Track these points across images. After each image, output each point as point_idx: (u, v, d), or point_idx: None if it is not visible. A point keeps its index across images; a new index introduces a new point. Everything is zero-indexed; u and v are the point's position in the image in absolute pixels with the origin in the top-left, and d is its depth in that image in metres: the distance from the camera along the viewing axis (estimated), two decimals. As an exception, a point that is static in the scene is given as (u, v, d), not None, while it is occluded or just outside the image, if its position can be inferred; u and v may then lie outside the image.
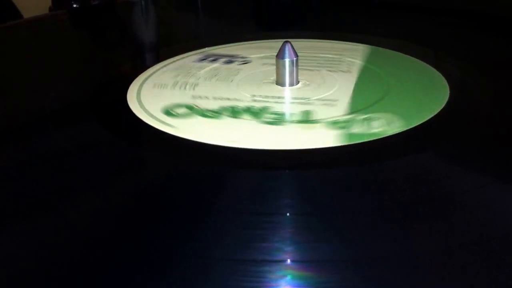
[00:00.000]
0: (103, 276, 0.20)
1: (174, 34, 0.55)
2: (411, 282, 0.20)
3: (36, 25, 0.58)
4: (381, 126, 0.31)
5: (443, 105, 0.34)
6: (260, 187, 0.26)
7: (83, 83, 0.40)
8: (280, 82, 0.37)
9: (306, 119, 0.33)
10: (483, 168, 0.27)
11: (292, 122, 0.32)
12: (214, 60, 0.43)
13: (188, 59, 0.43)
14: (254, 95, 0.36)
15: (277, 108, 0.34)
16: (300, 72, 0.38)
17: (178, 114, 0.33)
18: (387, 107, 0.34)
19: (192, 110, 0.34)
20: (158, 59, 0.45)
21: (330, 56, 0.43)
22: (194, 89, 0.37)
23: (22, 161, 0.29)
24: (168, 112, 0.33)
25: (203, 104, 0.35)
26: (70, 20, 0.60)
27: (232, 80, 0.38)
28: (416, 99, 0.35)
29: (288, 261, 0.21)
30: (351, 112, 0.33)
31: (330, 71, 0.40)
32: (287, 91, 0.37)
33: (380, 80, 0.38)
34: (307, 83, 0.38)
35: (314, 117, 0.33)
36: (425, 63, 0.41)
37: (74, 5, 0.60)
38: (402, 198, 0.25)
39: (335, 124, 0.32)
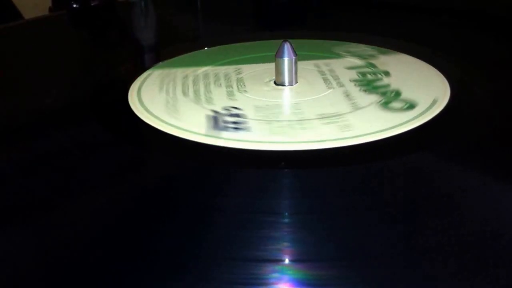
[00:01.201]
0: (103, 276, 0.20)
1: (174, 33, 0.55)
2: (411, 282, 0.20)
3: (36, 25, 0.58)
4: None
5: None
6: (263, 187, 0.26)
7: (83, 83, 0.40)
8: (280, 81, 0.37)
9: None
10: (483, 168, 0.27)
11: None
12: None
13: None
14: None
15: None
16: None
17: None
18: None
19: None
20: (158, 58, 0.45)
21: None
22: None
23: (22, 161, 0.29)
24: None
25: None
26: (70, 20, 0.60)
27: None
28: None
29: (287, 260, 0.21)
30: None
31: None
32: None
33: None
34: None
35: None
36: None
37: (74, 5, 0.60)
38: (401, 198, 0.25)
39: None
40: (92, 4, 0.60)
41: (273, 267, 0.20)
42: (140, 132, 0.33)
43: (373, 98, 0.35)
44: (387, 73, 0.39)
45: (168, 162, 0.29)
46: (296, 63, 0.37)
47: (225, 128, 0.31)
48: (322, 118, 0.32)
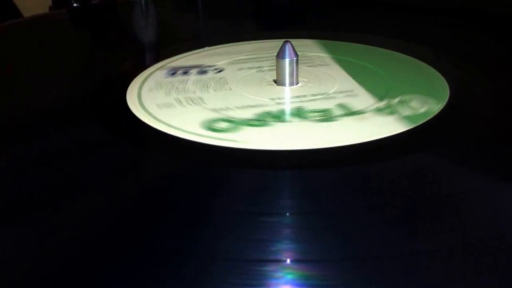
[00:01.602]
0: (102, 276, 0.20)
1: (174, 33, 0.55)
2: (411, 282, 0.20)
3: (36, 24, 0.58)
4: (422, 105, 0.33)
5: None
6: (262, 187, 0.26)
7: (83, 83, 0.40)
8: (281, 82, 0.37)
9: (350, 111, 0.33)
10: (483, 168, 0.27)
11: (340, 116, 0.32)
12: (185, 73, 0.41)
13: (159, 75, 0.41)
14: (272, 98, 0.36)
15: (311, 106, 0.34)
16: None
17: (223, 128, 0.32)
18: (408, 90, 0.35)
19: (233, 122, 0.32)
20: (158, 58, 0.45)
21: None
22: (204, 102, 0.35)
23: (22, 161, 0.29)
24: (211, 128, 0.32)
25: (235, 114, 0.33)
26: (70, 19, 0.60)
27: (231, 88, 0.38)
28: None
29: (288, 261, 0.21)
30: (381, 99, 0.34)
31: (310, 66, 0.41)
32: (300, 90, 0.37)
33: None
34: (305, 80, 0.38)
35: (354, 108, 0.33)
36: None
37: (74, 5, 0.60)
38: (402, 198, 0.25)
39: (380, 111, 0.32)
40: (93, 3, 0.60)
41: (272, 267, 0.20)
42: (138, 132, 0.33)
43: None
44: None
45: (166, 161, 0.29)
46: (297, 63, 0.37)
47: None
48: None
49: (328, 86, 0.37)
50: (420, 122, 0.31)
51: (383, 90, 0.36)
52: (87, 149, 0.30)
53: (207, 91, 0.37)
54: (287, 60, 0.36)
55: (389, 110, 0.33)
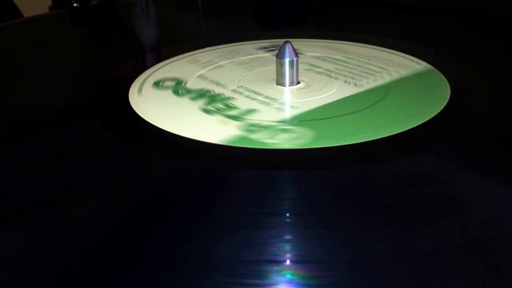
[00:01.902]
0: (102, 276, 0.20)
1: (175, 33, 0.55)
2: (411, 282, 0.20)
3: (36, 24, 0.58)
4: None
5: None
6: (259, 187, 0.26)
7: (83, 83, 0.40)
8: (280, 82, 0.37)
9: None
10: (483, 168, 0.27)
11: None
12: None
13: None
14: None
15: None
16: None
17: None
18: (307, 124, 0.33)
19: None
20: (159, 58, 0.45)
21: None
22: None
23: (22, 160, 0.29)
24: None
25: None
26: (71, 19, 0.60)
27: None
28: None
29: (288, 261, 0.21)
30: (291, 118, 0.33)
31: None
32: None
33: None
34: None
35: (261, 123, 0.32)
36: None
37: (75, 5, 0.60)
38: (402, 199, 0.25)
39: (251, 126, 0.32)
40: (93, 3, 0.60)
41: (271, 268, 0.20)
42: (141, 131, 0.33)
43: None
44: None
45: (169, 162, 0.29)
46: (297, 63, 0.37)
47: None
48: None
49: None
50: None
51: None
52: (87, 148, 0.30)
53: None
54: (287, 60, 0.36)
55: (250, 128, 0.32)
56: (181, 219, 0.24)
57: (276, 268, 0.20)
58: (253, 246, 0.21)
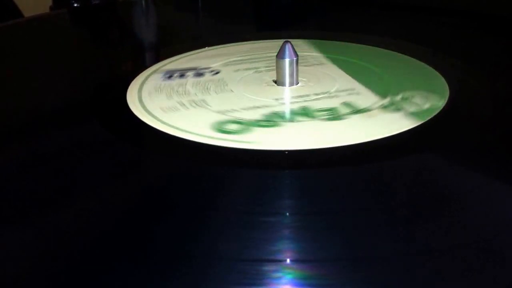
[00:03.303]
0: (102, 276, 0.20)
1: (175, 33, 0.55)
2: (411, 282, 0.20)
3: (37, 24, 0.58)
4: (425, 101, 0.33)
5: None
6: (261, 187, 0.26)
7: (83, 83, 0.40)
8: (281, 82, 0.37)
9: (356, 109, 0.33)
10: (483, 168, 0.27)
11: (348, 114, 0.33)
12: (182, 76, 0.40)
13: (154, 79, 0.40)
14: (276, 99, 0.36)
15: (317, 105, 0.34)
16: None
17: (233, 130, 0.31)
18: (408, 87, 0.35)
19: (243, 123, 0.32)
20: (158, 58, 0.45)
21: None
22: (208, 105, 0.35)
23: (22, 160, 0.29)
24: (220, 130, 0.31)
25: (243, 116, 0.33)
26: (71, 19, 0.60)
27: (232, 90, 0.37)
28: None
29: (288, 261, 0.21)
30: (384, 96, 0.35)
31: (306, 66, 0.41)
32: (301, 89, 0.37)
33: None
34: (305, 79, 0.38)
35: (360, 106, 0.34)
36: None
37: (75, 5, 0.60)
38: (402, 198, 0.25)
39: (386, 108, 0.33)
40: (93, 3, 0.60)
41: (271, 267, 0.20)
42: (138, 132, 0.33)
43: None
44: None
45: (168, 162, 0.29)
46: (297, 63, 0.37)
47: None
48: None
49: (328, 85, 0.37)
50: (427, 118, 0.32)
51: (383, 88, 0.36)
52: (87, 149, 0.31)
53: (208, 93, 0.37)
54: (287, 60, 0.36)
55: (394, 107, 0.33)
56: (181, 219, 0.24)
57: (276, 268, 0.20)
58: (253, 246, 0.21)
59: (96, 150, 0.30)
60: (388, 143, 0.30)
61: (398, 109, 0.33)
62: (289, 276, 0.20)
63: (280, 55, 0.36)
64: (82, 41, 0.54)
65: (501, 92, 0.36)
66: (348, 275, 0.20)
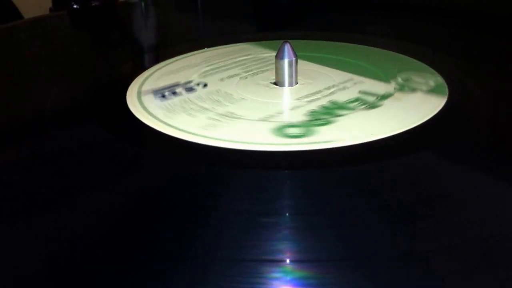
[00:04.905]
0: (101, 276, 0.20)
1: (174, 34, 0.55)
2: (411, 282, 0.20)
3: (36, 25, 0.58)
4: (424, 79, 0.34)
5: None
6: (261, 187, 0.26)
7: (83, 84, 0.40)
8: (282, 83, 0.37)
9: (379, 95, 0.33)
10: (483, 168, 0.27)
11: (378, 100, 0.33)
12: (174, 93, 0.37)
13: (149, 100, 0.36)
14: (298, 98, 0.35)
15: (340, 98, 0.34)
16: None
17: (298, 134, 0.30)
18: (401, 69, 0.36)
19: (299, 126, 0.31)
20: (158, 59, 0.45)
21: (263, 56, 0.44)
22: (240, 116, 0.33)
23: (22, 161, 0.29)
24: (285, 135, 0.30)
25: (287, 119, 0.32)
26: (71, 20, 0.60)
27: (243, 98, 0.36)
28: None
29: (288, 261, 0.21)
30: (388, 81, 0.35)
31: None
32: (307, 88, 0.37)
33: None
34: (299, 78, 0.38)
35: (379, 91, 0.34)
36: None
37: (75, 6, 0.60)
38: (401, 198, 0.25)
39: (402, 90, 0.34)
40: (93, 5, 0.60)
41: (270, 268, 0.20)
42: (138, 133, 0.33)
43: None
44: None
45: (168, 162, 0.29)
46: (296, 63, 0.37)
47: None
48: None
49: (327, 80, 0.37)
50: (447, 93, 0.33)
51: (377, 75, 0.36)
52: (87, 149, 0.31)
53: (225, 104, 0.35)
54: (286, 61, 0.36)
55: (407, 88, 0.33)
56: (181, 219, 0.24)
57: (275, 267, 0.20)
58: (253, 246, 0.21)
59: (96, 150, 0.30)
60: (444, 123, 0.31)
61: (413, 90, 0.33)
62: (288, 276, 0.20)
63: (279, 56, 0.36)
64: (82, 42, 0.54)
65: (501, 92, 0.36)
66: (348, 275, 0.20)
